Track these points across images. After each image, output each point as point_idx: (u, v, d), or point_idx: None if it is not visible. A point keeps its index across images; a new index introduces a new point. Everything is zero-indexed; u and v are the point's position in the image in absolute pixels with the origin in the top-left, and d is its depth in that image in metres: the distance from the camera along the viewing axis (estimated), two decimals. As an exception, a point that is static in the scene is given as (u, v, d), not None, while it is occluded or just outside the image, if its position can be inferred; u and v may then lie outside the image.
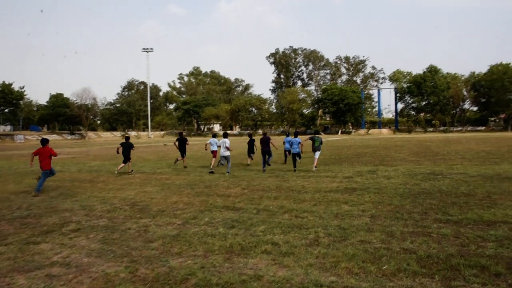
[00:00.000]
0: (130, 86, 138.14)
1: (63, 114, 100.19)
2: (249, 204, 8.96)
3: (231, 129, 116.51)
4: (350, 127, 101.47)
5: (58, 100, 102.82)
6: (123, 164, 16.87)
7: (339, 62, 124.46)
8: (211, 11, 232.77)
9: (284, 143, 18.53)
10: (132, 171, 16.75)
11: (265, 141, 17.49)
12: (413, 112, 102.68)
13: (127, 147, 17.14)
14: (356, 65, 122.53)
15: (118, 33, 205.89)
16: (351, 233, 6.33)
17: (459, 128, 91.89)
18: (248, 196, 10.10)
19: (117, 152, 17.52)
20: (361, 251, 5.46)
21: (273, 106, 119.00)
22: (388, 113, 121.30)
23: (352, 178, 12.89)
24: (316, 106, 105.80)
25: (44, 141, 12.17)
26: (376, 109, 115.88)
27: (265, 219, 7.47)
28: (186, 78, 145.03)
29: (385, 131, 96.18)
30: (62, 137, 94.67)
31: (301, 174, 14.60)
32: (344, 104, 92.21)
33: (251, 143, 20.42)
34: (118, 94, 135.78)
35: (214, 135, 19.81)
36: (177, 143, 20.27)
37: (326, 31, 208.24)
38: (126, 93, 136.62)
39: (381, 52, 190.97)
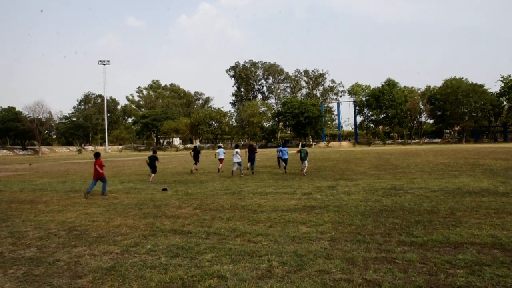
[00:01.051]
0: (86, 99, 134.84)
1: (15, 129, 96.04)
2: (199, 227, 8.20)
3: (191, 142, 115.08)
4: (311, 140, 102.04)
5: (9, 114, 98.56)
6: (153, 175, 19.35)
7: (298, 75, 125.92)
8: (171, 24, 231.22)
9: (277, 151, 23.22)
10: (151, 181, 18.73)
11: (251, 150, 21.97)
12: (372, 125, 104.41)
13: (152, 159, 19.54)
14: (316, 79, 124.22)
15: (75, 46, 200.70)
16: (308, 261, 5.69)
17: (417, 140, 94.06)
18: (199, 217, 9.34)
19: (147, 163, 19.97)
20: (319, 285, 4.81)
21: (233, 120, 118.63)
22: (347, 126, 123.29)
23: (312, 195, 12.33)
24: (276, 119, 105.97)
25: (97, 155, 16.05)
26: (336, 122, 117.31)
27: (214, 245, 6.73)
28: (145, 92, 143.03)
29: (345, 143, 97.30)
30: (13, 153, 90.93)
31: (259, 190, 13.94)
32: (304, 117, 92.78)
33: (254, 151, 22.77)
34: (74, 107, 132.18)
35: (220, 147, 26.46)
36: (192, 153, 25.31)
37: (286, 45, 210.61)
38: (83, 107, 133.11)
39: (340, 66, 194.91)
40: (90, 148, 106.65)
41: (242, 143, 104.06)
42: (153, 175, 19.45)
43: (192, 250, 6.50)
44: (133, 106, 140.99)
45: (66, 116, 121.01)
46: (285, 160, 22.02)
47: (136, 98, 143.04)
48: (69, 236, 7.83)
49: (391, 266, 5.41)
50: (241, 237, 7.25)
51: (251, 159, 21.72)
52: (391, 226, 7.73)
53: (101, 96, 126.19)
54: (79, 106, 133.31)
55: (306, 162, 20.41)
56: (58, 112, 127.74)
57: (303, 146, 21.10)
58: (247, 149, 22.30)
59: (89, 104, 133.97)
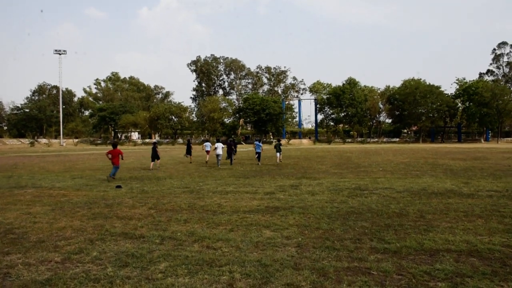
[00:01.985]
0: (41, 90, 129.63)
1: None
2: (153, 230, 7.48)
3: (150, 137, 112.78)
4: (271, 137, 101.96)
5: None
6: (152, 163, 22.51)
7: (260, 72, 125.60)
8: (132, 16, 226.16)
9: (255, 146, 26.55)
10: (152, 169, 21.90)
11: (229, 145, 26.85)
12: (332, 123, 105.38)
13: (154, 148, 22.92)
14: (277, 76, 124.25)
15: (30, 34, 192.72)
16: (274, 273, 5.09)
17: (376, 139, 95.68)
18: (154, 218, 8.59)
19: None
20: (288, 303, 4.23)
21: (193, 115, 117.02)
22: (308, 123, 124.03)
23: (274, 194, 11.77)
24: (237, 115, 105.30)
25: (115, 145, 17.84)
26: (297, 119, 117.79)
27: (169, 252, 6.04)
28: (103, 84, 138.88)
29: (305, 141, 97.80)
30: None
31: (219, 189, 13.27)
32: (265, 114, 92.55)
33: (232, 146, 27.31)
34: (27, 98, 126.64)
35: (207, 141, 30.23)
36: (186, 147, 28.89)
37: (248, 41, 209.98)
38: (37, 98, 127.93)
39: (302, 64, 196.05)
40: (43, 141, 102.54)
41: (202, 138, 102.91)
42: (156, 162, 22.80)
43: (144, 258, 5.79)
44: (90, 98, 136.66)
45: (18, 106, 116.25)
46: (259, 154, 26.15)
47: (94, 90, 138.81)
48: (3, 241, 6.93)
49: (366, 278, 4.89)
50: (199, 243, 6.58)
51: (229, 152, 26.42)
52: (361, 230, 7.25)
53: (56, 87, 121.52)
54: (33, 97, 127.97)
55: (280, 153, 25.94)
56: (9, 103, 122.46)
57: (278, 141, 27.16)
58: (227, 144, 27.23)
59: (44, 95, 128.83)
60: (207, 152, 26.70)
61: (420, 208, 9.29)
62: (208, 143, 27.42)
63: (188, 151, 28.03)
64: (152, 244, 6.55)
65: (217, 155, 24.23)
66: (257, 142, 26.80)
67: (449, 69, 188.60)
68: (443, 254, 5.82)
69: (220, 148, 24.56)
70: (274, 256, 5.80)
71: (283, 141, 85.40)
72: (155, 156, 23.00)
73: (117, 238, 6.96)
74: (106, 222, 8.33)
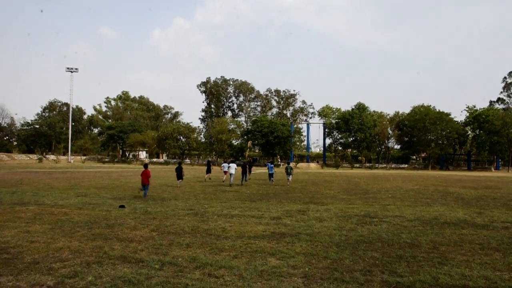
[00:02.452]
0: (51, 106, 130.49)
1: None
2: (153, 254, 7.16)
3: (158, 157, 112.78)
4: (279, 160, 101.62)
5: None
6: (179, 181, 24.69)
7: (269, 94, 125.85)
8: (144, 37, 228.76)
9: (268, 168, 30.86)
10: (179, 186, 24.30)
11: (244, 166, 30.11)
12: (340, 148, 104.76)
13: (179, 168, 24.97)
14: (287, 99, 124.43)
15: (42, 52, 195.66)
16: (279, 306, 4.76)
17: (384, 165, 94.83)
18: (155, 241, 8.28)
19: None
20: None
21: (202, 135, 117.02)
22: (316, 147, 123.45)
23: (281, 220, 11.41)
24: (245, 137, 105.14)
25: (146, 166, 19.21)
26: (305, 143, 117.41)
27: (168, 280, 5.72)
28: (113, 102, 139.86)
29: (313, 165, 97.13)
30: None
31: (224, 212, 12.94)
32: (273, 136, 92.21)
33: (249, 166, 32.46)
34: (37, 114, 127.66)
35: (225, 161, 31.08)
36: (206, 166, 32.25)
37: (258, 64, 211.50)
38: (47, 114, 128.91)
39: (312, 88, 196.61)
40: (51, 157, 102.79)
41: (209, 159, 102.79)
42: (180, 181, 24.64)
43: (141, 285, 5.47)
44: (100, 116, 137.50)
45: (28, 122, 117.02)
46: (272, 174, 29.58)
47: (104, 109, 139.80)
48: (-3, 261, 6.65)
49: (378, 316, 4.54)
50: (200, 270, 6.25)
51: (243, 173, 29.28)
52: (371, 261, 6.88)
53: (67, 104, 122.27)
54: (43, 113, 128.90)
55: (291, 176, 27.68)
56: (20, 118, 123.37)
57: (288, 164, 30.28)
58: (243, 165, 30.63)
59: (54, 112, 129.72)
60: (225, 172, 28.39)
61: (432, 238, 8.90)
62: (225, 164, 29.10)
63: (208, 170, 30.79)
64: (151, 269, 6.24)
65: (231, 174, 26.52)
66: (269, 164, 31.15)
67: (459, 96, 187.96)
68: (460, 291, 5.45)
69: (233, 168, 26.85)
70: (279, 287, 5.45)
71: (291, 164, 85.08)
72: (180, 175, 24.73)
73: (115, 262, 6.65)
74: (105, 243, 8.03)
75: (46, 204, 14.63)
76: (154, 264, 6.53)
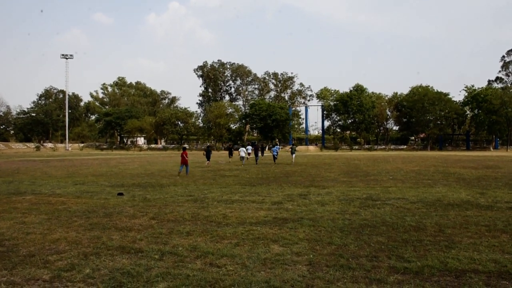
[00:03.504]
0: (47, 94, 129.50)
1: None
2: (153, 244, 6.97)
3: (156, 142, 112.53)
4: (277, 143, 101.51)
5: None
6: (208, 161, 30.21)
7: (267, 77, 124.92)
8: (139, 22, 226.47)
9: (272, 150, 36.26)
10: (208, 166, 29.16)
11: (256, 148, 35.20)
12: (339, 130, 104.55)
13: (209, 151, 31.16)
14: (284, 82, 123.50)
15: (37, 39, 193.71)
16: (284, 297, 4.58)
17: (383, 147, 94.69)
18: (154, 230, 8.10)
19: (203, 154, 32.35)
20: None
21: (200, 120, 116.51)
22: (315, 130, 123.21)
23: (282, 204, 11.24)
24: (243, 121, 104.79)
25: (184, 148, 23.67)
26: (303, 126, 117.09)
27: (168, 270, 5.54)
28: (110, 89, 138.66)
29: (312, 148, 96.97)
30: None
31: (224, 198, 12.76)
32: (271, 120, 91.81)
33: (261, 149, 39.72)
34: (33, 102, 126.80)
35: (243, 146, 39.98)
36: (204, 153, 32.57)
37: (255, 47, 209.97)
38: (43, 102, 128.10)
39: (309, 70, 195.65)
40: (49, 145, 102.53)
41: (208, 144, 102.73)
42: (208, 162, 29.96)
43: (141, 277, 5.29)
44: (96, 103, 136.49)
45: (24, 110, 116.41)
46: (275, 155, 34.69)
47: (100, 95, 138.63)
48: (-8, 254, 6.46)
49: (388, 305, 4.36)
50: (202, 259, 6.07)
51: (256, 153, 34.48)
52: (377, 246, 6.71)
53: (63, 92, 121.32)
54: (39, 101, 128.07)
55: (294, 155, 34.62)
56: (17, 107, 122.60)
57: (293, 145, 39.14)
58: (256, 146, 36.41)
59: (50, 100, 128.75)
60: (241, 157, 32.57)
61: (437, 221, 8.73)
62: (243, 148, 34.42)
63: (208, 157, 31.24)
64: (150, 260, 6.05)
65: (241, 157, 32.33)
66: (276, 147, 36.56)
67: (458, 76, 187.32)
68: (471, 276, 5.28)
69: (243, 151, 32.83)
70: (283, 276, 5.28)
71: (288, 147, 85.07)
72: (208, 157, 30.48)
73: (113, 253, 6.47)
74: (103, 233, 7.85)
75: (43, 193, 14.45)
76: (154, 254, 6.35)
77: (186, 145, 35.28)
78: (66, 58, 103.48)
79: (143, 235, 7.66)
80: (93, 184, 17.68)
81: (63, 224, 8.75)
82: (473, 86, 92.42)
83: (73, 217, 9.55)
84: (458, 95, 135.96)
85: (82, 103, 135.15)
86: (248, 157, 34.89)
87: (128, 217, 9.57)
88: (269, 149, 52.54)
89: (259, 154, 35.56)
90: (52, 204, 11.68)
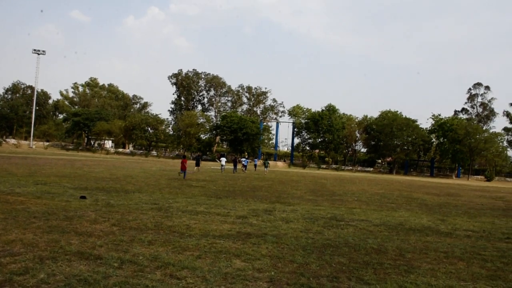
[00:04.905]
0: (15, 89, 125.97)
1: None
2: (113, 251, 6.81)
3: (124, 147, 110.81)
4: (246, 156, 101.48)
5: None
6: (196, 167, 34.43)
7: (241, 90, 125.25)
8: (117, 23, 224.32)
9: (242, 162, 45.69)
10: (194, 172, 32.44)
11: (234, 160, 44.57)
12: (308, 148, 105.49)
13: (199, 158, 37.94)
14: (258, 96, 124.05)
15: (8, 32, 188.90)
16: (243, 313, 4.54)
17: (350, 167, 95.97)
18: (115, 237, 7.92)
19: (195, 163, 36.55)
20: None
21: (170, 128, 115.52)
22: (284, 146, 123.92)
23: (247, 219, 11.20)
24: (214, 132, 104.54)
25: (184, 156, 28.40)
26: (273, 141, 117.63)
27: (127, 280, 5.41)
28: (81, 88, 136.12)
29: (280, 164, 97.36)
30: None
31: (189, 208, 12.64)
32: (242, 133, 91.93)
33: (236, 161, 45.22)
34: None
35: (222, 155, 55.67)
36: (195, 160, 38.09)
37: (231, 59, 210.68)
38: (9, 97, 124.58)
39: (283, 86, 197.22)
40: (12, 141, 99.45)
41: (177, 153, 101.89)
42: (197, 167, 34.52)
43: (98, 285, 5.14)
44: (66, 102, 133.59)
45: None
46: (245, 166, 45.38)
47: (71, 94, 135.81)
48: None
49: (346, 327, 4.38)
50: (162, 270, 5.96)
51: (234, 165, 42.73)
52: (338, 267, 6.75)
53: (31, 87, 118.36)
54: (6, 95, 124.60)
55: (267, 168, 46.68)
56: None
57: (266, 159, 50.19)
58: (233, 160, 46.13)
59: (17, 95, 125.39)
60: (222, 166, 40.43)
61: (398, 245, 8.86)
62: (223, 159, 41.91)
63: (197, 164, 35.97)
64: (109, 267, 5.91)
65: (222, 166, 40.08)
66: (244, 160, 47.53)
67: (426, 104, 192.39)
68: (427, 302, 5.36)
69: (223, 161, 40.89)
70: (243, 292, 5.24)
71: (259, 162, 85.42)
72: (198, 163, 35.55)
73: (71, 258, 6.28)
74: (62, 237, 7.63)
75: (1, 191, 13.99)
76: (113, 262, 6.20)
77: (185, 154, 45.96)
78: (38, 54, 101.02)
79: (103, 241, 7.49)
80: (55, 185, 17.22)
81: (20, 225, 8.47)
82: (439, 115, 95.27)
83: (31, 218, 9.26)
84: (425, 123, 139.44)
85: (50, 101, 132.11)
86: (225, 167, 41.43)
87: (89, 221, 9.34)
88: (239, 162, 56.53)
89: (236, 165, 43.49)
90: (10, 203, 11.30)
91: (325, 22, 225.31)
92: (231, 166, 46.11)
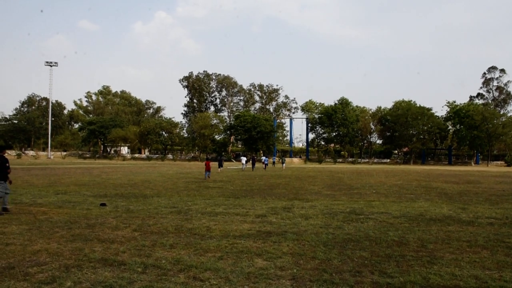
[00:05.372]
0: (30, 101, 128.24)
1: None
2: (136, 256, 6.89)
3: (140, 152, 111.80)
4: (261, 155, 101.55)
5: None
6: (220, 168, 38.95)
7: (252, 89, 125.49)
8: (125, 30, 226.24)
9: (263, 161, 52.01)
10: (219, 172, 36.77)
11: (253, 158, 48.37)
12: (323, 143, 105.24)
13: (221, 159, 42.59)
14: (270, 94, 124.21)
15: (20, 46, 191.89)
16: (268, 312, 4.56)
17: (366, 160, 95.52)
18: (137, 242, 8.01)
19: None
20: None
21: (184, 131, 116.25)
22: (299, 142, 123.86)
23: (266, 217, 11.24)
24: (228, 132, 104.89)
25: (207, 159, 31.60)
26: (288, 138, 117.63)
27: (151, 284, 5.47)
28: (94, 97, 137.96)
29: (296, 160, 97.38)
30: None
31: (208, 210, 12.71)
32: (256, 131, 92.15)
33: (254, 159, 49.85)
34: (16, 109, 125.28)
35: (244, 155, 65.10)
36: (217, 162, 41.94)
37: (241, 59, 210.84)
38: (26, 109, 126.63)
39: (294, 82, 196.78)
40: (31, 153, 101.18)
41: (192, 155, 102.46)
42: (220, 168, 38.76)
43: (123, 290, 5.22)
44: (80, 111, 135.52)
45: (6, 117, 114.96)
46: (266, 164, 50.71)
47: (85, 103, 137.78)
48: (-30, 266, 6.32)
49: (371, 321, 4.38)
50: (185, 273, 6.02)
51: (253, 163, 47.04)
52: (360, 261, 6.74)
53: (46, 99, 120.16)
54: (22, 108, 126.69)
55: (284, 164, 54.69)
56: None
57: (283, 156, 66.34)
58: (251, 158, 49.46)
59: (33, 107, 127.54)
60: (243, 165, 46.39)
61: (420, 236, 8.81)
62: (243, 158, 48.06)
63: (220, 165, 39.66)
64: (133, 273, 5.98)
65: (242, 164, 45.96)
66: (265, 158, 53.44)
67: (440, 91, 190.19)
68: (452, 292, 5.33)
69: (244, 160, 46.46)
70: (267, 290, 5.27)
71: (275, 159, 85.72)
72: (220, 164, 39.51)
73: (95, 265, 6.38)
74: (85, 245, 7.74)
75: (24, 202, 14.22)
76: (137, 267, 6.28)
77: (207, 156, 56.18)
78: (51, 66, 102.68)
79: (126, 247, 7.58)
80: (75, 194, 17.45)
81: (44, 235, 8.61)
82: (454, 102, 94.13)
83: (54, 228, 9.40)
84: (440, 110, 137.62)
85: (65, 111, 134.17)
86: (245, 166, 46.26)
87: (111, 228, 9.46)
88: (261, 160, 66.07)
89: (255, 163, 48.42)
90: (33, 214, 11.50)
91: (333, 15, 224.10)
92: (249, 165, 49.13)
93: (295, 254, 7.18)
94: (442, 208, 13.77)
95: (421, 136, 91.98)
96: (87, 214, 11.59)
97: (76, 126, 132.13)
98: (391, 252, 7.33)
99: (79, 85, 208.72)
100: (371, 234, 8.99)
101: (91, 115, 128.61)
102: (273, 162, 62.03)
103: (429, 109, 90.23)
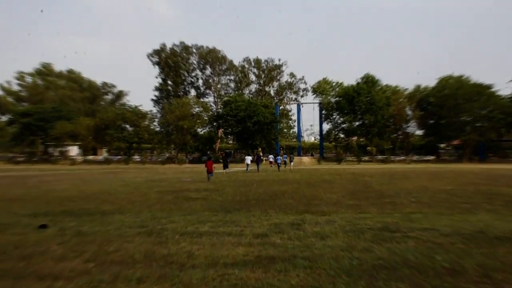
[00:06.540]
0: None
1: None
2: (89, 297, 6.84)
3: (95, 153, 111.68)
4: (261, 154, 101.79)
5: None
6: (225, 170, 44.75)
7: (247, 66, 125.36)
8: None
9: (276, 159, 60.39)
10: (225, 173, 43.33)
11: (258, 157, 59.76)
12: (342, 135, 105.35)
13: (226, 158, 53.75)
14: (270, 71, 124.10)
15: None
16: None
17: (402, 157, 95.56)
18: (91, 277, 7.95)
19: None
20: None
21: (155, 123, 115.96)
22: (310, 136, 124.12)
23: (268, 238, 11.23)
24: (215, 124, 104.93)
25: (209, 158, 37.57)
26: (295, 130, 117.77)
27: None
28: (29, 79, 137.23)
29: (306, 159, 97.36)
30: None
31: (189, 229, 12.67)
32: (252, 122, 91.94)
33: (260, 158, 59.98)
34: None
35: (249, 154, 68.49)
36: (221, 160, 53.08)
37: (232, 27, 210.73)
38: None
39: (302, 56, 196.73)
40: None
41: (167, 155, 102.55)
42: (226, 169, 44.83)
43: None
44: (9, 98, 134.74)
45: None
46: (279, 164, 56.91)
47: (16, 88, 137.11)
48: None
49: None
50: (157, 317, 5.96)
51: (257, 163, 54.91)
52: (397, 296, 6.70)
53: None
54: None
55: (292, 163, 60.72)
56: None
57: (290, 153, 75.22)
58: (257, 157, 57.23)
59: None
60: (271, 163, 63.39)
61: (481, 261, 8.77)
62: (248, 157, 55.27)
63: (225, 166, 45.19)
64: (85, 319, 5.92)
65: (247, 164, 53.12)
66: (278, 157, 60.02)
67: (505, 62, 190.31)
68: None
69: (249, 160, 53.88)
70: None
71: (286, 158, 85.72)
72: (225, 165, 44.92)
73: (33, 310, 6.30)
74: (17, 285, 7.66)
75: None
76: (90, 310, 6.21)
77: (210, 156, 68.66)
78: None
79: (75, 284, 7.52)
80: (3, 212, 17.35)
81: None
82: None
83: (-24, 259, 9.33)
84: (505, 88, 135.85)
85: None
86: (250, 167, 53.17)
87: (55, 259, 9.40)
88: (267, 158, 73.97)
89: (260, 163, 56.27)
90: None
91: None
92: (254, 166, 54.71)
93: (307, 287, 7.13)
94: (510, 222, 13.77)
95: (479, 124, 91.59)
96: (21, 241, 11.49)
97: (4, 118, 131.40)
98: (440, 284, 7.31)
99: (8, 62, 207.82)
100: (412, 258, 8.97)
101: (25, 104, 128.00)
102: (284, 162, 61.14)
103: (488, 87, 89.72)
